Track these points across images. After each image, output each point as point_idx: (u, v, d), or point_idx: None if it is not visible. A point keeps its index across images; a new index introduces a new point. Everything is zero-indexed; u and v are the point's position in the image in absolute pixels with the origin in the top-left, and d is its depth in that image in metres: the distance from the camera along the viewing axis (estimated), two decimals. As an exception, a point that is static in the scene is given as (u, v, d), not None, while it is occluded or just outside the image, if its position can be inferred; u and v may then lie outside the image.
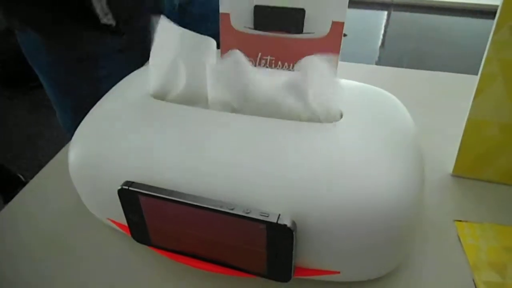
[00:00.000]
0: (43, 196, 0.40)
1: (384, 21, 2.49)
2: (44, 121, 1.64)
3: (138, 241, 0.31)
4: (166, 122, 0.30)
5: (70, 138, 0.33)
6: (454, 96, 0.50)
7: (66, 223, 0.37)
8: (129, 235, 0.31)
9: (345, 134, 0.28)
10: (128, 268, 0.33)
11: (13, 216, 0.38)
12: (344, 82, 0.32)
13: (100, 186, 0.31)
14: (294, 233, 0.25)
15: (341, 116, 0.30)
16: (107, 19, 0.50)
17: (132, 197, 0.28)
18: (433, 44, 2.15)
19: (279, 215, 0.25)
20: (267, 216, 0.25)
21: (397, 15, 2.52)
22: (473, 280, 0.30)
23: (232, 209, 0.25)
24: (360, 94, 0.33)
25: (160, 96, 0.33)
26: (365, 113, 0.30)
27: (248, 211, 0.25)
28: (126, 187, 0.28)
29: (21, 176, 1.29)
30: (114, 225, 0.33)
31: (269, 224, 0.25)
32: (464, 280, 0.31)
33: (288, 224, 0.24)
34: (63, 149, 0.46)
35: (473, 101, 0.36)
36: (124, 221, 0.30)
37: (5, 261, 0.34)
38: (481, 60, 0.34)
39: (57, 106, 0.62)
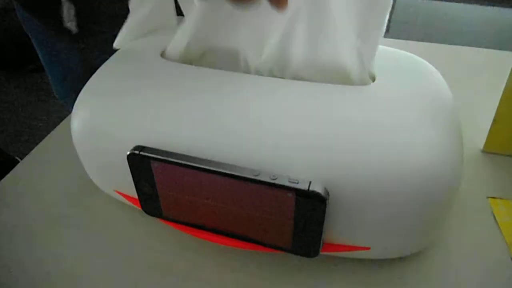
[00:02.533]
0: (41, 171, 0.37)
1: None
2: (41, 104, 1.61)
3: (148, 213, 0.29)
4: (180, 83, 0.27)
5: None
6: (481, 72, 0.47)
7: (68, 198, 0.34)
8: (139, 208, 0.29)
9: (381, 98, 0.25)
10: (138, 243, 0.30)
11: (10, 192, 0.35)
12: None
13: (107, 153, 0.28)
14: (326, 202, 0.22)
15: (374, 80, 0.27)
16: (70, 25, 0.49)
17: (143, 163, 0.25)
18: (440, 32, 2.11)
19: (310, 182, 0.22)
20: (297, 183, 0.22)
21: (403, 1, 2.47)
22: (511, 259, 0.28)
23: (257, 175, 0.23)
24: (393, 58, 0.30)
25: (186, 55, 0.30)
26: (400, 78, 0.28)
27: (275, 177, 0.22)
28: (137, 152, 0.25)
29: (18, 159, 1.26)
30: (122, 198, 0.30)
31: (299, 192, 0.22)
32: (501, 258, 0.28)
33: (321, 192, 0.22)
34: (62, 123, 0.43)
35: (510, 72, 0.33)
36: (133, 193, 0.28)
37: (3, 239, 0.31)
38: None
39: (48, 72, 0.60)
